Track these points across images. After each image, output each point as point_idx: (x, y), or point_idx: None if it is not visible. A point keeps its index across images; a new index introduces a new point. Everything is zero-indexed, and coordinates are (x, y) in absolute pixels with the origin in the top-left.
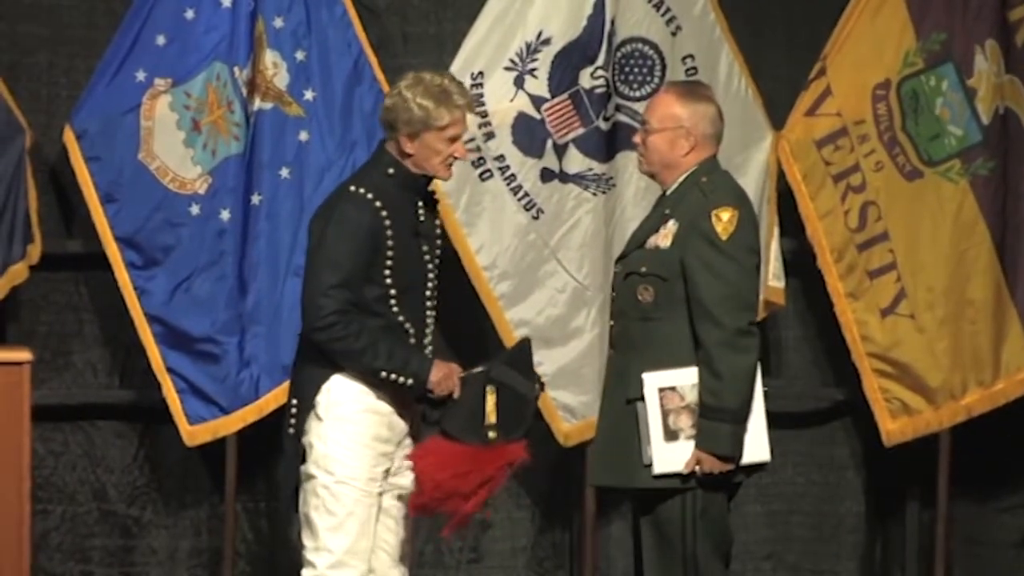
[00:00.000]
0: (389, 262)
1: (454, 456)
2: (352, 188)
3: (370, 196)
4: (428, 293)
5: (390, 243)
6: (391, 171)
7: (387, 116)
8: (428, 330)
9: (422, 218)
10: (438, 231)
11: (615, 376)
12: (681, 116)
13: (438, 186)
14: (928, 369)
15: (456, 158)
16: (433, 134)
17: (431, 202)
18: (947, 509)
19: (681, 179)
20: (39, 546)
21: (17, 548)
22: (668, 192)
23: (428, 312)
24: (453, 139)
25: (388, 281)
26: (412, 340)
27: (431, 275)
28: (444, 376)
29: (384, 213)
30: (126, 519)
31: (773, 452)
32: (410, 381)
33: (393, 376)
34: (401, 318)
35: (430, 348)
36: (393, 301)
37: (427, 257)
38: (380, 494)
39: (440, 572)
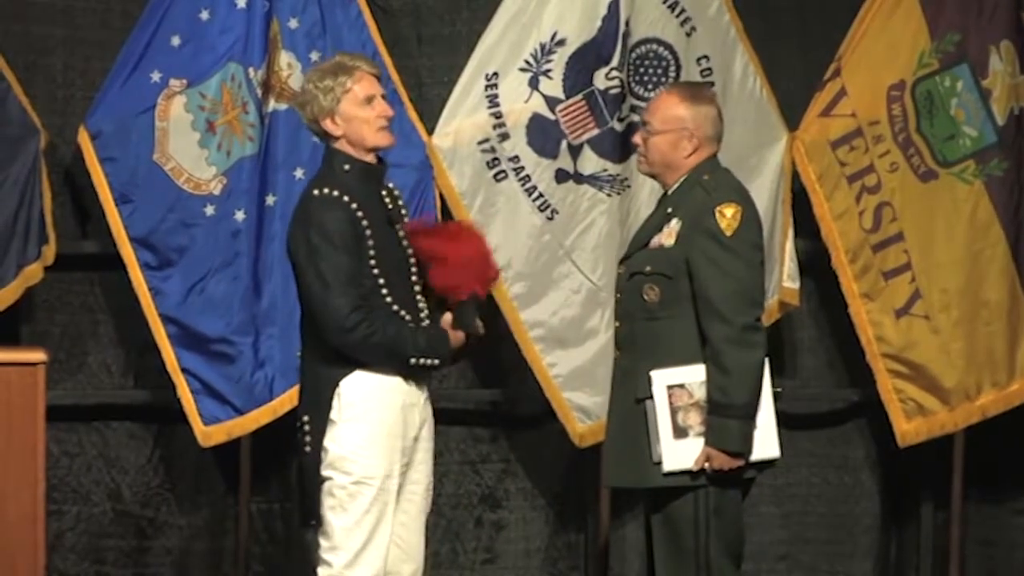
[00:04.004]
0: (372, 252)
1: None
2: (316, 192)
3: (336, 194)
4: (414, 279)
5: (368, 233)
6: (347, 167)
7: (305, 114)
8: (422, 314)
9: (389, 206)
10: (404, 216)
11: (622, 376)
12: (684, 118)
13: (451, 189)
14: (943, 370)
15: (387, 119)
16: (346, 103)
17: (393, 191)
18: (961, 510)
19: (683, 178)
20: (54, 546)
21: (32, 548)
22: (670, 192)
23: (417, 296)
24: (369, 100)
25: (375, 272)
26: (411, 325)
27: (412, 259)
28: (455, 341)
29: (354, 206)
30: (140, 520)
31: (788, 453)
32: (436, 361)
33: (423, 361)
34: (396, 307)
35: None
36: (385, 291)
37: (405, 243)
38: (397, 490)
39: (455, 572)
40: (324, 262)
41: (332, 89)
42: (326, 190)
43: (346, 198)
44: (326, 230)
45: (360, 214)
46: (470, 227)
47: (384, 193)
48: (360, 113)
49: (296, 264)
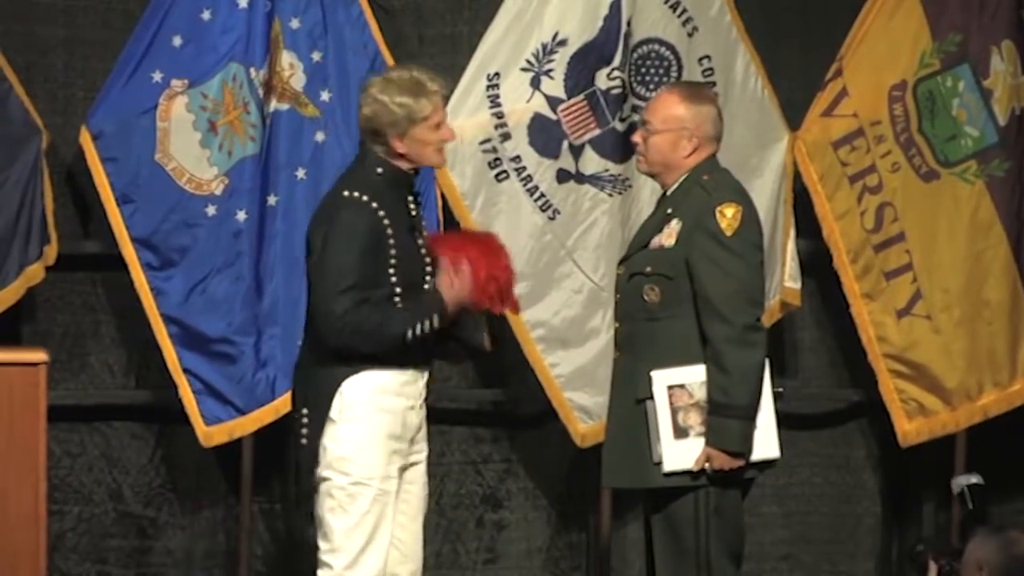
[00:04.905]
0: (392, 260)
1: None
2: (346, 193)
3: (366, 199)
4: (427, 286)
5: (391, 242)
6: (380, 171)
7: (370, 125)
8: None
9: (413, 212)
10: (424, 223)
11: (623, 377)
12: (684, 118)
13: (453, 190)
14: (944, 370)
15: (445, 141)
16: (420, 127)
17: (418, 195)
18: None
19: (682, 179)
20: (55, 547)
21: (33, 549)
22: (669, 192)
23: None
24: (439, 125)
25: (393, 279)
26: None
27: (428, 268)
28: (447, 285)
29: (381, 214)
30: (142, 520)
31: (790, 453)
32: (435, 319)
33: (419, 328)
34: None
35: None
36: (397, 299)
37: (423, 251)
38: (395, 491)
39: (456, 572)
40: (333, 264)
41: (408, 109)
42: (356, 193)
43: (375, 204)
44: (345, 233)
45: (386, 222)
46: (499, 242)
47: (410, 199)
48: (428, 137)
49: (310, 260)
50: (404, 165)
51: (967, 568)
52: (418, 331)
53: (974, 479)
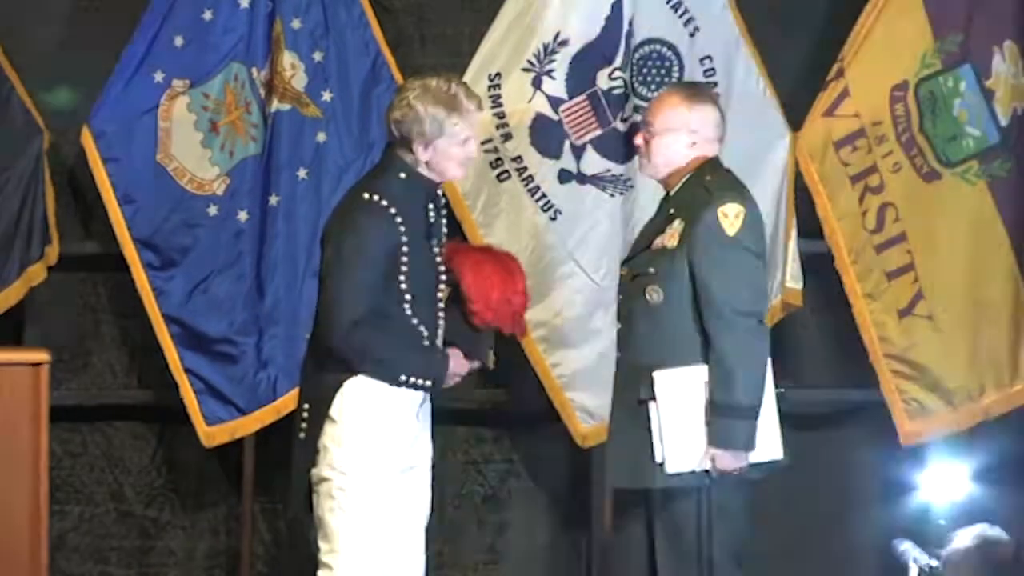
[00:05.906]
0: (404, 268)
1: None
2: (367, 196)
3: (385, 203)
4: (439, 295)
5: (405, 249)
6: (403, 175)
7: (399, 129)
8: (440, 330)
9: (432, 220)
10: (445, 230)
11: (625, 378)
12: (687, 119)
13: (454, 190)
14: (946, 370)
15: (469, 158)
16: (446, 140)
17: (439, 202)
18: None
19: (685, 179)
20: (57, 547)
21: (35, 549)
22: (672, 193)
23: (440, 312)
24: (466, 141)
25: (404, 287)
26: (426, 342)
27: (443, 276)
28: (455, 368)
29: (399, 220)
30: (144, 520)
31: (790, 453)
32: (429, 383)
33: (412, 380)
34: (415, 320)
35: (440, 345)
36: (407, 306)
37: (439, 259)
38: (396, 493)
39: (458, 572)
40: (346, 267)
41: (440, 122)
42: (376, 197)
43: (392, 210)
44: (361, 237)
45: (403, 228)
46: (518, 265)
47: (431, 206)
48: (453, 151)
49: (323, 259)
50: (427, 173)
51: (947, 568)
52: (412, 381)
53: None
